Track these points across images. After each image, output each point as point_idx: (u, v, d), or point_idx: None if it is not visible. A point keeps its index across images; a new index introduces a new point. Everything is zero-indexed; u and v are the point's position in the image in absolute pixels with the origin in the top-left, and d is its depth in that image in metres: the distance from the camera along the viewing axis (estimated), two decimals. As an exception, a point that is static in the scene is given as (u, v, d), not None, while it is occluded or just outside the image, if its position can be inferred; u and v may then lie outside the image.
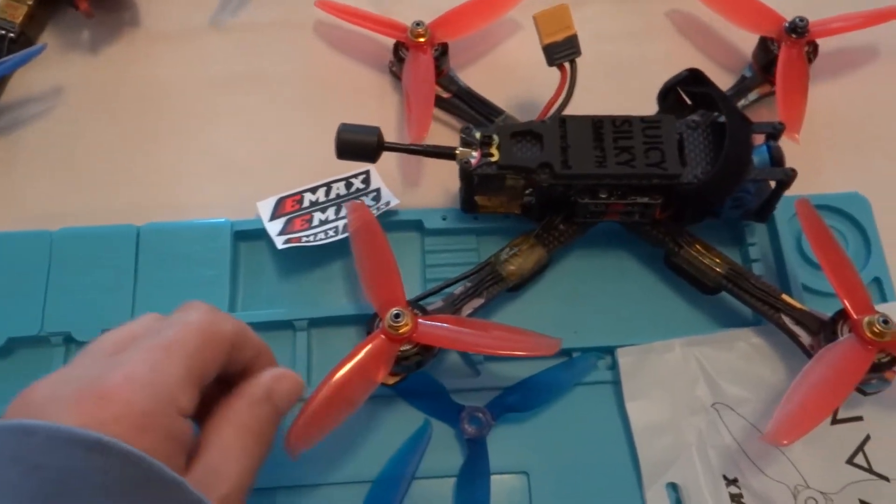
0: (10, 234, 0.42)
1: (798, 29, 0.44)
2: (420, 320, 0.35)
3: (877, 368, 0.35)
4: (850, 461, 0.36)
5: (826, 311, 0.38)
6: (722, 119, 0.38)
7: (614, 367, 0.39)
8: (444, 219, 0.43)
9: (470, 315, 0.38)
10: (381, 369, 0.34)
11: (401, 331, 0.34)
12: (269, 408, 0.30)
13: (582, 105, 0.40)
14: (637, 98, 0.42)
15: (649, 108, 0.41)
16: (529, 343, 0.36)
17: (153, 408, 0.26)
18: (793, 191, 0.40)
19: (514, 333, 0.37)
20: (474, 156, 0.38)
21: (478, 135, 0.39)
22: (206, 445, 0.28)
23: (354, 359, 0.34)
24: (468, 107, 0.45)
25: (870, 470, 0.36)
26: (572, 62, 0.41)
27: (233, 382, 0.33)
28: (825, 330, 0.36)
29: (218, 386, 0.31)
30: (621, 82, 0.48)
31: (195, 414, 0.28)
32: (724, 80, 0.47)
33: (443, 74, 0.46)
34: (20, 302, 0.40)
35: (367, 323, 0.37)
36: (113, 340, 0.29)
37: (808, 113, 0.44)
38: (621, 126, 0.38)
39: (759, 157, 0.38)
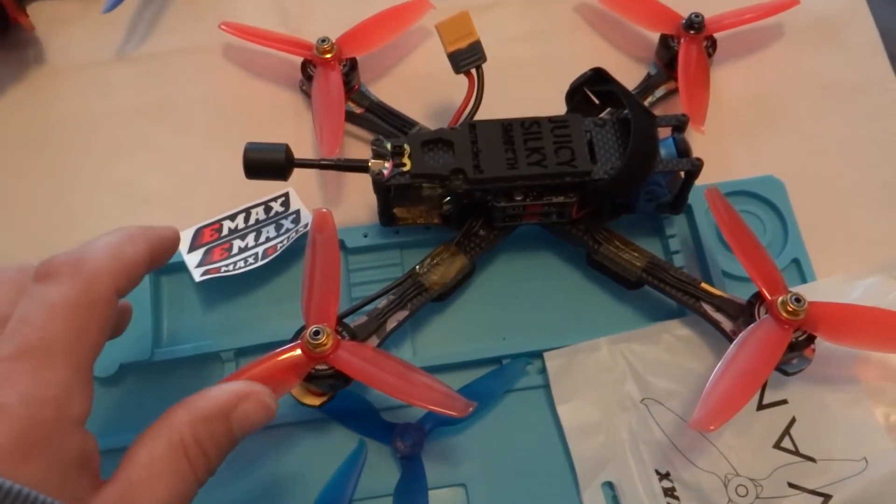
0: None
1: (695, 25, 0.45)
2: (342, 346, 0.35)
3: (795, 347, 0.35)
4: (777, 445, 0.36)
5: (749, 295, 0.38)
6: (628, 115, 0.38)
7: (544, 370, 0.39)
8: (365, 236, 0.43)
9: (395, 328, 0.38)
10: (293, 379, 0.34)
11: (317, 349, 0.34)
12: (219, 427, 0.27)
13: (497, 109, 0.40)
14: (552, 98, 0.42)
15: (565, 107, 0.41)
16: (440, 399, 0.34)
17: (33, 434, 0.23)
18: (711, 179, 0.40)
19: (433, 384, 0.35)
20: (386, 167, 0.38)
21: (388, 145, 0.38)
22: (131, 460, 0.25)
23: (269, 362, 0.34)
24: (382, 121, 0.45)
25: (796, 452, 0.36)
26: (478, 68, 0.41)
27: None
28: (744, 314, 0.37)
29: None
30: (535, 84, 0.47)
31: None
32: (638, 73, 0.47)
33: (354, 90, 0.46)
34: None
35: (296, 332, 0.36)
36: None
37: (718, 100, 0.45)
38: (530, 127, 0.38)
39: (665, 149, 0.38)
